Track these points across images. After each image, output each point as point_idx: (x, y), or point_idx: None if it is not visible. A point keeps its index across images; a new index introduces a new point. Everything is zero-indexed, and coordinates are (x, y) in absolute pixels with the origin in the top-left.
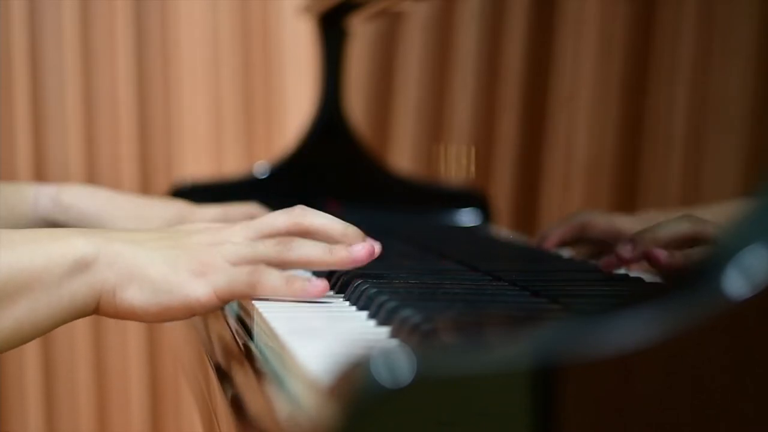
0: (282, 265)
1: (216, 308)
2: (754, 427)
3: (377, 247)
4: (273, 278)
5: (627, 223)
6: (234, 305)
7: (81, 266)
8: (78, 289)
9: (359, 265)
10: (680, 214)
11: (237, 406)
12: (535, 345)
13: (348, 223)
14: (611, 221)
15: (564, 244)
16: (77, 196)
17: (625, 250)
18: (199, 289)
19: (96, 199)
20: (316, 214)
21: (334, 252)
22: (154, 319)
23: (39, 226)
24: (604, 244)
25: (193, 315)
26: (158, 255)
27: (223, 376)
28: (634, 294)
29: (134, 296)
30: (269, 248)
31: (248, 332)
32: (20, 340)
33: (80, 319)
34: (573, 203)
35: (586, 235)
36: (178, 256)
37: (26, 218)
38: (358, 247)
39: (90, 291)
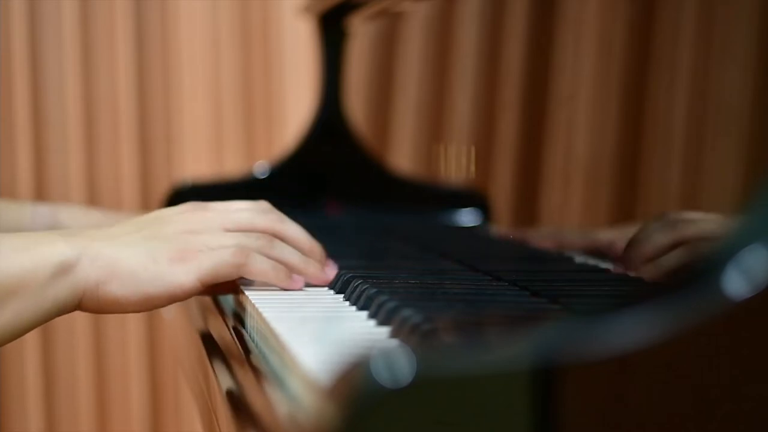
0: None
1: (198, 293)
2: (754, 427)
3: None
4: (260, 261)
5: (605, 237)
6: (233, 305)
7: (65, 268)
8: (61, 291)
9: (321, 285)
10: (660, 218)
11: (237, 406)
12: (535, 345)
13: (314, 241)
14: (587, 236)
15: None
16: (73, 215)
17: (618, 267)
18: (181, 276)
19: (90, 218)
20: (290, 223)
21: (308, 264)
22: (138, 308)
23: None
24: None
25: (177, 301)
26: (138, 247)
27: (223, 376)
28: (634, 294)
29: (117, 290)
30: (251, 241)
31: (248, 332)
32: (6, 339)
33: (81, 319)
34: (573, 203)
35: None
36: (156, 247)
37: None
38: (330, 269)
39: (73, 291)
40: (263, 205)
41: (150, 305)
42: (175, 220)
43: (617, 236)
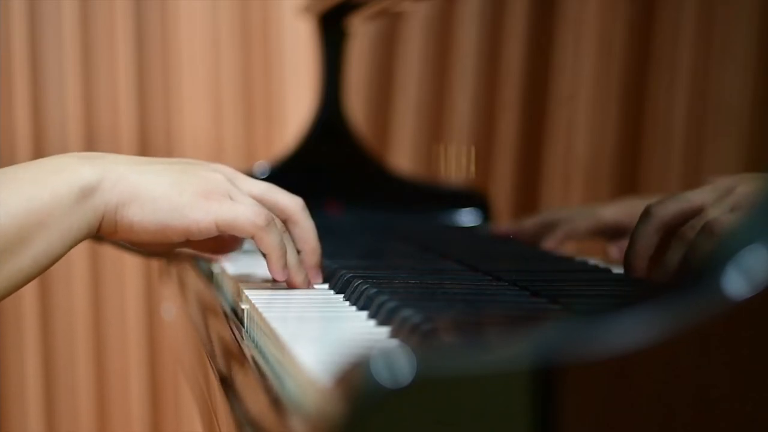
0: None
1: (211, 235)
2: (754, 427)
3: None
4: (275, 237)
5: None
6: (233, 305)
7: (86, 192)
8: (84, 215)
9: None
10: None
11: (237, 406)
12: (535, 345)
13: (318, 245)
14: (589, 221)
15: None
16: None
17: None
18: (200, 213)
19: None
20: (309, 218)
21: (298, 271)
22: (150, 237)
23: None
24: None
25: (191, 238)
26: (165, 177)
27: (223, 376)
28: (634, 294)
29: (135, 213)
30: (268, 216)
31: (248, 332)
32: (36, 273)
33: (81, 320)
34: (573, 203)
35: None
36: (185, 181)
37: None
38: (315, 278)
39: (94, 214)
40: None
41: (164, 236)
42: (210, 166)
43: (620, 215)
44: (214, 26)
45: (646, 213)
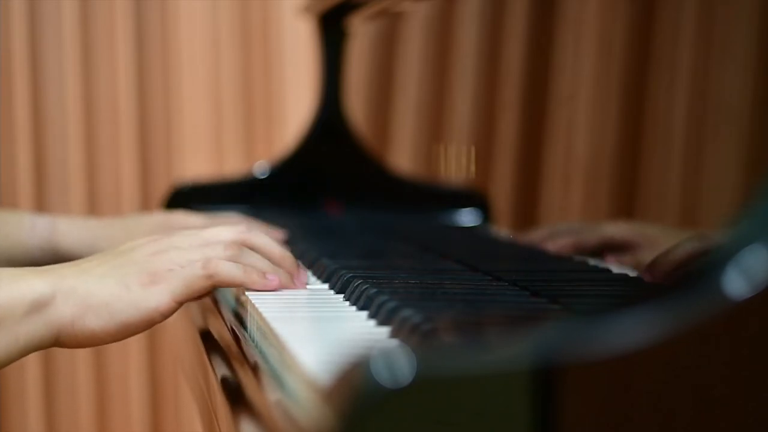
0: None
1: (174, 312)
2: (754, 427)
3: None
4: (228, 267)
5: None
6: (233, 305)
7: (38, 306)
8: (35, 328)
9: (291, 287)
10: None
11: (237, 406)
12: (535, 345)
13: (285, 250)
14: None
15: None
16: (72, 225)
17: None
18: (155, 299)
19: (89, 227)
20: (259, 235)
21: (277, 272)
22: (117, 338)
23: (35, 253)
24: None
25: (156, 324)
26: (108, 278)
27: (223, 376)
28: (634, 294)
29: (92, 322)
30: (218, 252)
31: (248, 332)
32: None
33: None
34: (573, 203)
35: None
36: (127, 274)
37: (23, 246)
38: (300, 278)
39: (47, 328)
40: (233, 218)
41: (128, 333)
42: (142, 246)
43: (628, 233)
44: (214, 26)
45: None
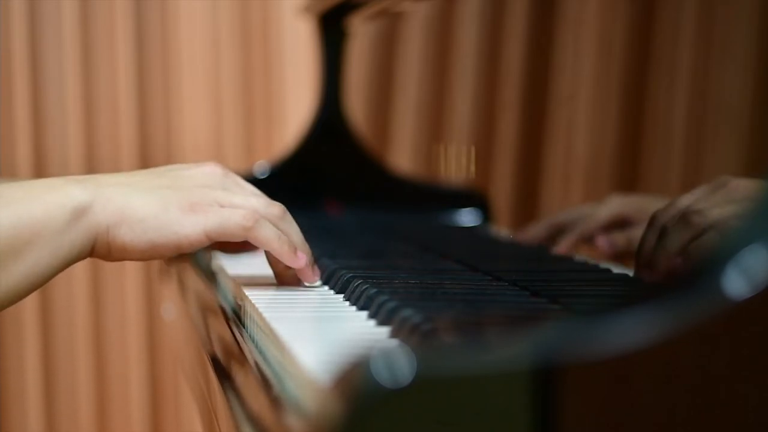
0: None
1: (204, 246)
2: (754, 427)
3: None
4: (268, 229)
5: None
6: (233, 305)
7: (78, 213)
8: (76, 236)
9: (306, 279)
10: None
11: (237, 406)
12: (535, 345)
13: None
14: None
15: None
16: None
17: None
18: (188, 227)
19: None
20: (294, 223)
21: (306, 250)
22: (144, 256)
23: None
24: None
25: (183, 252)
26: (150, 195)
27: (223, 376)
28: (634, 294)
29: (125, 234)
30: (263, 207)
31: (248, 332)
32: (27, 291)
33: (81, 319)
34: (573, 203)
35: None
36: (168, 196)
37: None
38: (317, 272)
39: (86, 235)
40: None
41: (155, 253)
42: (192, 175)
43: (627, 206)
44: (214, 26)
45: (654, 219)
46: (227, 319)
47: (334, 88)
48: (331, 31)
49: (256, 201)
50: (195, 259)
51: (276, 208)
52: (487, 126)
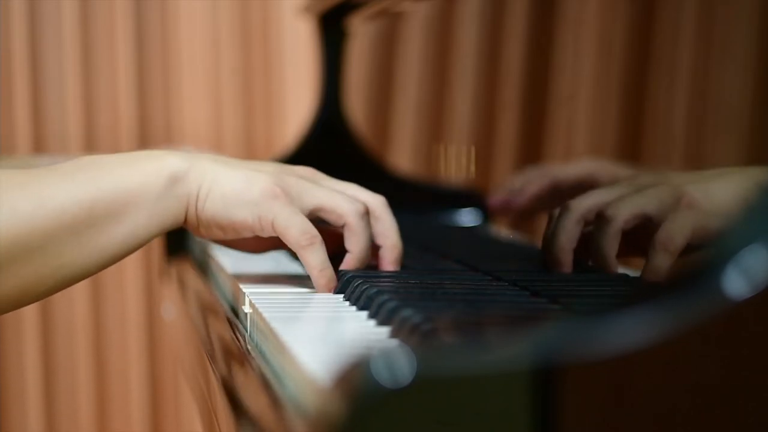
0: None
1: (270, 234)
2: (754, 426)
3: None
4: (316, 256)
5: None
6: (233, 305)
7: (173, 180)
8: (171, 202)
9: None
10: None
11: (237, 406)
12: (535, 345)
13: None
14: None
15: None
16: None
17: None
18: (264, 211)
19: None
20: (393, 219)
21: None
22: (227, 233)
23: None
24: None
25: (257, 234)
26: (239, 172)
27: (223, 376)
28: (634, 294)
29: (209, 207)
30: (317, 242)
31: (248, 332)
32: (125, 253)
33: (81, 319)
34: None
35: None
36: (257, 176)
37: None
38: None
39: (180, 202)
40: None
41: (235, 231)
42: (292, 167)
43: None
44: (214, 26)
45: (566, 208)
46: (227, 320)
47: (334, 88)
48: (331, 31)
49: (341, 198)
50: (195, 258)
51: (368, 206)
52: (487, 126)
